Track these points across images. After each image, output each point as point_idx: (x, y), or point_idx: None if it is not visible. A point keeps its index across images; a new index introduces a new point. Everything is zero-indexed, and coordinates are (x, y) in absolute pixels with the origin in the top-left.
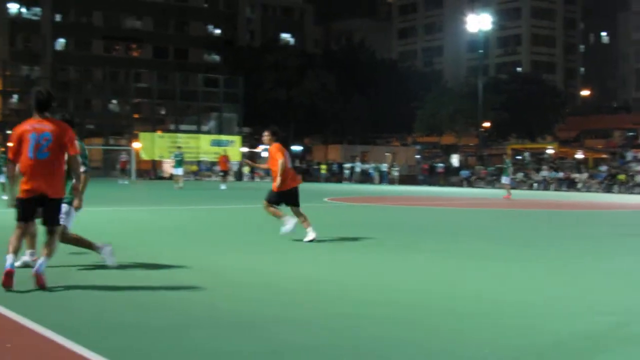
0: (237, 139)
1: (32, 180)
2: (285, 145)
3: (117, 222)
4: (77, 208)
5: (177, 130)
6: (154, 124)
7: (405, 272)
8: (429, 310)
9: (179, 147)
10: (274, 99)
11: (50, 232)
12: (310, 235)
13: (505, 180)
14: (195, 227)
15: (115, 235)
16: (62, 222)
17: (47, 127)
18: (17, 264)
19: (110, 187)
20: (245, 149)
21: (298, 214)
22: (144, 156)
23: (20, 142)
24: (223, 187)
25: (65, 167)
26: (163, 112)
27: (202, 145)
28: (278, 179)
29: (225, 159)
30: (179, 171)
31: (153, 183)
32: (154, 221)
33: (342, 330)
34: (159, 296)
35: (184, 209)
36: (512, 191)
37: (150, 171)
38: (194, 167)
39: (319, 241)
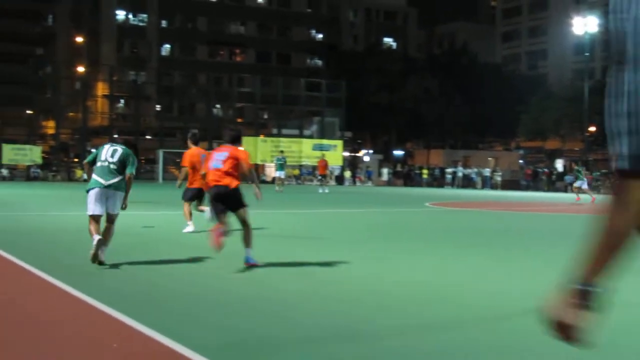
0: (338, 143)
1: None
2: (385, 149)
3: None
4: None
5: (279, 135)
6: (257, 128)
7: (518, 277)
8: None
9: (281, 152)
10: (376, 104)
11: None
12: (190, 228)
13: (579, 183)
14: (299, 230)
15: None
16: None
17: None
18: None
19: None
20: (347, 153)
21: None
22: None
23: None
24: (321, 190)
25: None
26: (266, 116)
27: (304, 150)
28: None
29: (324, 163)
30: (281, 174)
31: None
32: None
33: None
34: (287, 306)
35: (285, 212)
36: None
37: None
38: (296, 171)
39: (424, 246)
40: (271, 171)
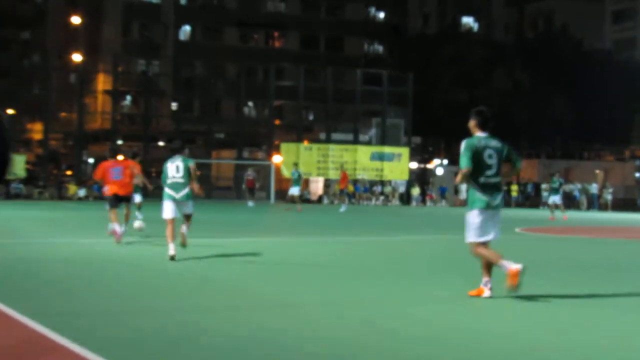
0: (404, 151)
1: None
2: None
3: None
4: None
5: (328, 140)
6: (300, 132)
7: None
8: None
9: (296, 165)
10: (453, 101)
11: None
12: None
13: (554, 199)
14: (338, 261)
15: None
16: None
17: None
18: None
19: (234, 211)
20: (415, 165)
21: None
22: (286, 173)
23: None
24: (344, 209)
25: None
26: (311, 117)
27: (360, 160)
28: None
29: (344, 175)
30: (295, 190)
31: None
32: (287, 256)
33: None
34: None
35: (320, 240)
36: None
37: None
38: (350, 188)
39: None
40: (318, 187)
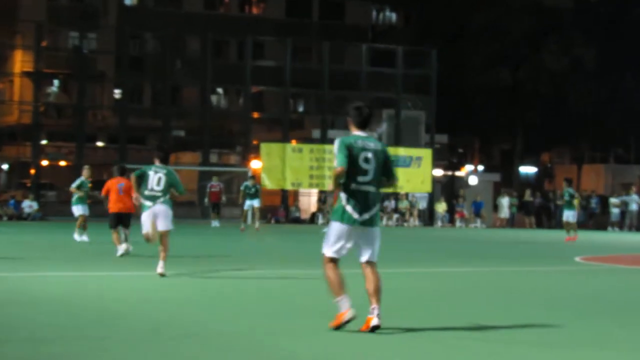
0: (425, 154)
1: None
2: (505, 163)
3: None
4: None
5: (323, 140)
6: (286, 128)
7: None
8: None
9: (252, 178)
10: (489, 86)
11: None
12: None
13: (568, 216)
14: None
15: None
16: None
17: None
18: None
19: (193, 235)
20: (439, 172)
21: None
22: (269, 184)
23: None
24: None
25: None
26: (301, 108)
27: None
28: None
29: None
30: (253, 204)
31: (278, 230)
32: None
33: None
34: None
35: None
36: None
37: (279, 209)
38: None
39: (582, 335)
40: (310, 203)
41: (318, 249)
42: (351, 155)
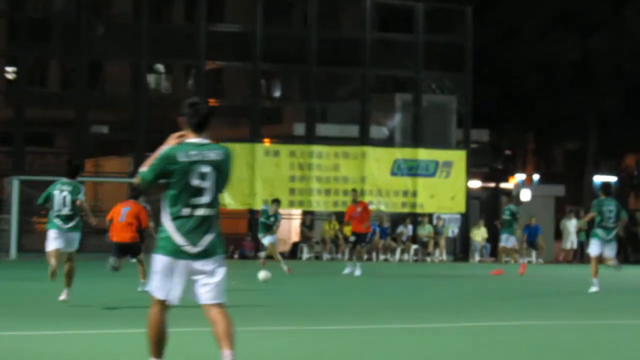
0: (457, 157)
1: None
2: (571, 171)
3: None
4: None
5: (310, 138)
6: (256, 122)
7: None
8: None
9: (276, 202)
10: (549, 61)
11: None
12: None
13: (506, 240)
14: None
15: None
16: None
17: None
18: None
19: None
20: (477, 183)
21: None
22: (231, 202)
23: None
24: (349, 269)
25: None
26: (277, 92)
27: (372, 174)
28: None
29: (362, 208)
30: (268, 240)
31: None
32: None
33: None
34: None
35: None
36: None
37: (246, 238)
38: (345, 229)
39: None
40: (288, 228)
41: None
42: (178, 170)
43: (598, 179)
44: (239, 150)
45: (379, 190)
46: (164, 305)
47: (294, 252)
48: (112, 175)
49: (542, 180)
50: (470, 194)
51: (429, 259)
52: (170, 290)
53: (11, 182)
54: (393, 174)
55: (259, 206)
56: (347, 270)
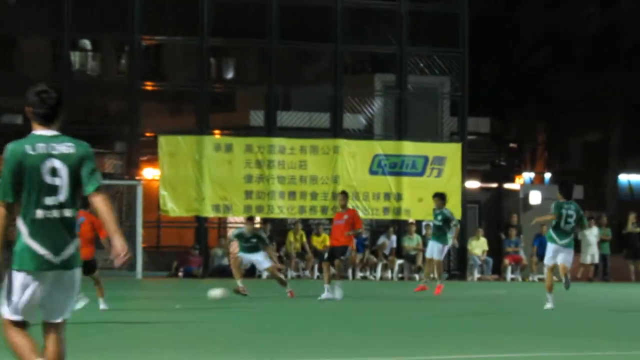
0: (451, 151)
1: None
2: (590, 169)
3: None
4: None
5: (270, 129)
6: (204, 108)
7: None
8: None
9: (250, 221)
10: (562, 32)
11: None
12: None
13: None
14: None
15: None
16: None
17: None
18: None
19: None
20: (475, 184)
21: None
22: (173, 207)
23: None
24: (326, 294)
25: None
26: (230, 74)
27: (347, 173)
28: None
29: (350, 215)
30: (258, 257)
31: (179, 286)
32: None
33: None
34: None
35: None
36: None
37: (192, 252)
38: (323, 239)
39: None
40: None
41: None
42: (28, 168)
43: (624, 177)
44: (182, 144)
45: (356, 192)
46: (23, 325)
47: (251, 270)
48: None
49: (554, 180)
50: (467, 197)
51: (417, 276)
52: (28, 308)
53: None
54: (372, 172)
55: (208, 213)
56: (325, 295)
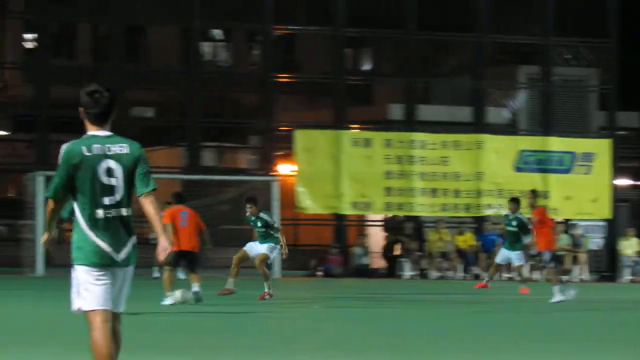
0: (600, 147)
1: None
2: None
3: None
4: None
5: (410, 123)
6: (340, 101)
7: None
8: None
9: (252, 201)
10: None
11: None
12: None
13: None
14: None
15: None
16: None
17: None
18: None
19: None
20: (626, 181)
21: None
22: (310, 204)
23: None
24: (557, 297)
25: None
26: (367, 66)
27: (491, 169)
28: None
29: (541, 213)
30: (264, 248)
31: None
32: None
33: None
34: None
35: None
36: None
37: (331, 251)
38: (467, 238)
39: None
40: (378, 240)
41: None
42: (84, 169)
43: None
44: (319, 138)
45: (500, 190)
46: (104, 315)
47: (391, 268)
48: (160, 170)
49: None
50: (617, 195)
51: (564, 277)
52: (104, 295)
53: (34, 179)
54: (517, 169)
55: (346, 210)
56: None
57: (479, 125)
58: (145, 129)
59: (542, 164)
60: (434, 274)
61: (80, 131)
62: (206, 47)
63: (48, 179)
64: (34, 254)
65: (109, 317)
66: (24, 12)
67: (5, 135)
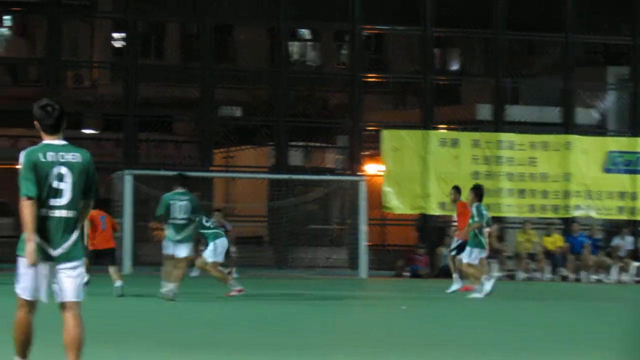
0: None
1: None
2: None
3: None
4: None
5: (498, 123)
6: (428, 102)
7: None
8: None
9: (218, 211)
10: None
11: None
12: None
13: (470, 254)
14: None
15: None
16: None
17: None
18: None
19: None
20: None
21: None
22: (398, 204)
23: None
24: None
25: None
26: (454, 66)
27: (579, 169)
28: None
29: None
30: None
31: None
32: None
33: None
34: None
35: None
36: None
37: (418, 252)
38: (555, 239)
39: None
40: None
41: None
42: (39, 173)
43: None
44: (407, 138)
45: (588, 191)
46: (30, 306)
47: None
48: (247, 170)
49: None
50: None
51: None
52: (36, 289)
53: (122, 178)
54: (606, 170)
55: (433, 211)
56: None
57: (567, 126)
58: (233, 129)
59: (631, 165)
60: (521, 275)
61: (165, 131)
62: (294, 47)
63: (136, 178)
64: (121, 251)
65: (35, 306)
66: (112, 12)
67: (94, 134)
